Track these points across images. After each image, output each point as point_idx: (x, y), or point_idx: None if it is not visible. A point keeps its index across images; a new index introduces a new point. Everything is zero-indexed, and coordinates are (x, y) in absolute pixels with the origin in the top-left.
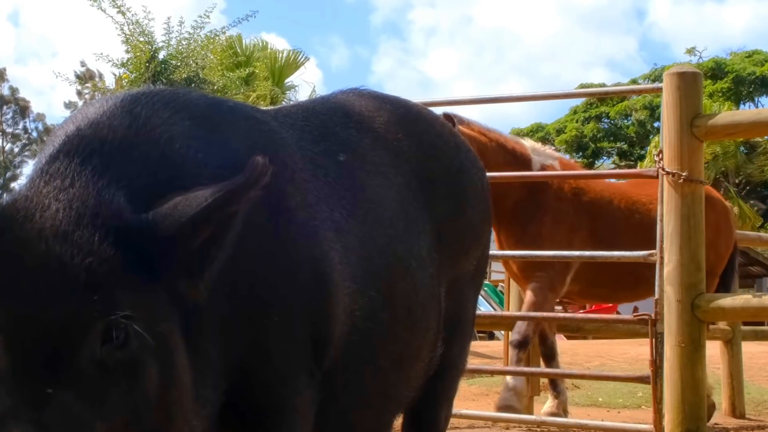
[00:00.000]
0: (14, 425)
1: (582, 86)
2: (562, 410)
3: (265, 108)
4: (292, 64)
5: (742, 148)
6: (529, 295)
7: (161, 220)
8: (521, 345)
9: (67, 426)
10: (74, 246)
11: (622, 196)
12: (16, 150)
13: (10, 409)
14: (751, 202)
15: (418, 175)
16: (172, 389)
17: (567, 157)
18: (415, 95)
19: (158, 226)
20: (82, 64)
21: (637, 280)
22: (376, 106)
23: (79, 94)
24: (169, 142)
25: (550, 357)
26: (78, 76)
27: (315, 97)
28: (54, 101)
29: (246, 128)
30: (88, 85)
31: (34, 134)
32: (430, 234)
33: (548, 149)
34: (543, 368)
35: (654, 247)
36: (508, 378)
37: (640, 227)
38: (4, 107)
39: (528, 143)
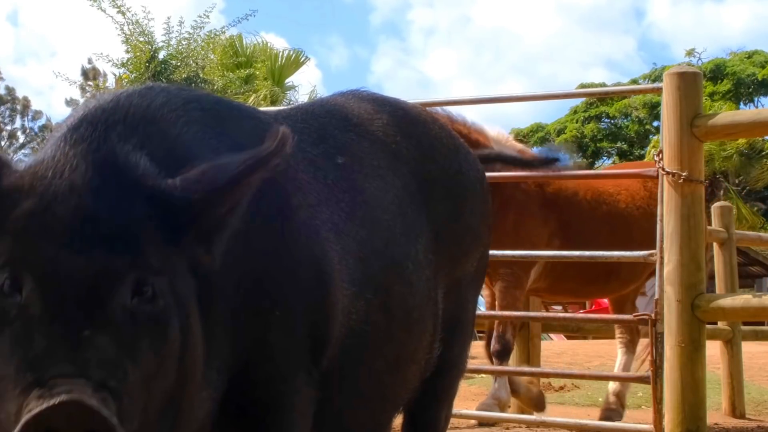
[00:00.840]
0: (51, 365)
1: (582, 86)
2: (496, 407)
3: (264, 109)
4: (293, 64)
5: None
6: (498, 297)
7: (190, 184)
8: (505, 353)
9: (102, 365)
10: (106, 200)
11: (587, 187)
12: (16, 149)
13: (45, 350)
14: (751, 202)
15: (416, 177)
16: (188, 353)
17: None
18: (414, 95)
19: (187, 191)
20: (90, 61)
21: (608, 275)
22: (375, 108)
23: (83, 89)
24: (185, 126)
25: (505, 357)
26: (84, 72)
27: (314, 98)
28: (53, 101)
29: (250, 126)
30: (91, 83)
31: (36, 131)
32: (428, 236)
33: (511, 140)
34: (543, 368)
35: (619, 237)
36: (495, 385)
37: (607, 217)
38: (2, 107)
39: (492, 133)
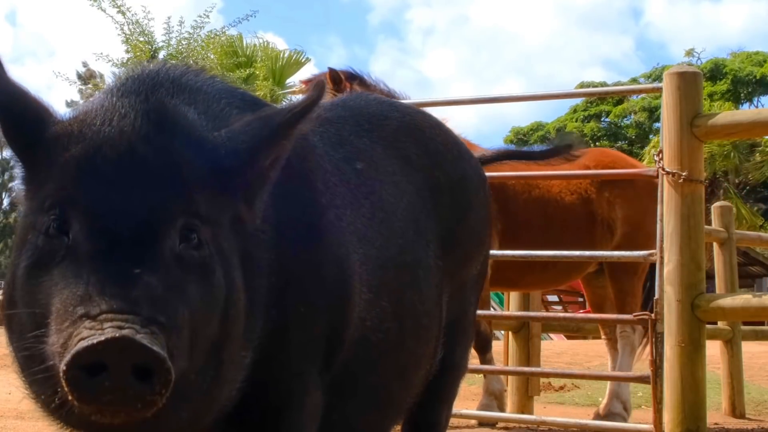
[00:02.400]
0: (102, 300)
1: (582, 85)
2: (494, 400)
3: None
4: (293, 64)
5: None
6: None
7: (238, 135)
8: (485, 345)
9: (152, 302)
10: (157, 146)
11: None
12: None
13: (95, 286)
14: (751, 202)
15: (425, 183)
16: (232, 307)
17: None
18: (413, 95)
19: (235, 141)
20: (84, 64)
21: (545, 264)
22: (384, 113)
23: (81, 92)
24: (227, 106)
25: (486, 349)
26: (80, 76)
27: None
28: (52, 101)
29: None
30: (90, 86)
31: None
32: (436, 242)
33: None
34: (543, 368)
35: (554, 223)
36: (491, 383)
37: (540, 202)
38: None
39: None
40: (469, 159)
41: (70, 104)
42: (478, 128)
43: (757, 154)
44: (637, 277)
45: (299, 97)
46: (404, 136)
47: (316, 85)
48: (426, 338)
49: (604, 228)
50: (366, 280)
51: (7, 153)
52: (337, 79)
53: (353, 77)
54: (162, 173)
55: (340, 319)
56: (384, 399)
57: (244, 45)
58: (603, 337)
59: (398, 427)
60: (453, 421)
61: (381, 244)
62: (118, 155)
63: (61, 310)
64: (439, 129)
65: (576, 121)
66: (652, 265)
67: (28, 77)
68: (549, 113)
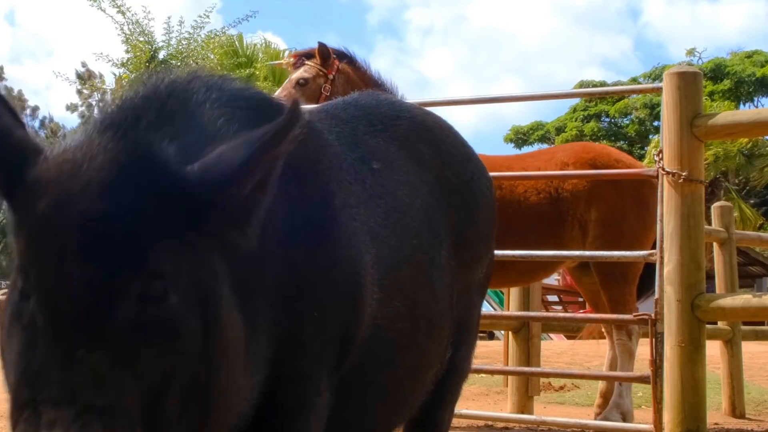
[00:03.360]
0: (43, 385)
1: (582, 84)
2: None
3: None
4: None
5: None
6: None
7: (209, 168)
8: None
9: (95, 386)
10: (114, 200)
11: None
12: None
13: (41, 367)
14: (752, 202)
15: (438, 184)
16: (215, 342)
17: None
18: (412, 95)
19: (207, 176)
20: (83, 64)
21: (502, 264)
22: (395, 113)
23: (80, 93)
24: (226, 124)
25: None
26: (79, 76)
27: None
28: (50, 100)
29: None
30: (87, 86)
31: (41, 133)
32: (448, 243)
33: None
34: (543, 368)
35: (515, 221)
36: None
37: (500, 203)
38: None
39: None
40: (477, 161)
41: (69, 107)
42: (477, 128)
43: (761, 158)
44: (628, 285)
45: (289, 70)
46: (416, 136)
47: (291, 108)
48: (438, 338)
49: (576, 228)
50: (379, 279)
51: None
52: (326, 54)
53: (343, 56)
54: (116, 233)
55: (352, 320)
56: (395, 397)
57: (245, 45)
58: (603, 330)
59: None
60: (453, 421)
61: (395, 244)
62: (76, 217)
63: (14, 386)
64: (448, 131)
65: (576, 121)
66: (652, 265)
67: (27, 77)
68: (549, 113)
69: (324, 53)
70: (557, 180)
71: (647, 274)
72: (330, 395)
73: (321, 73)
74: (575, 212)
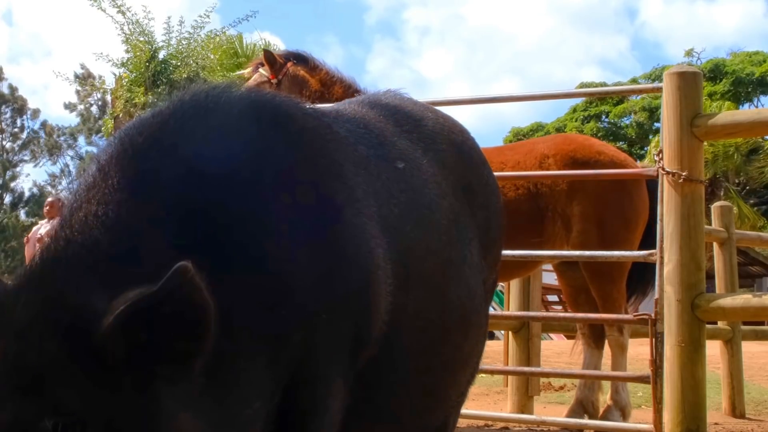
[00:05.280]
0: None
1: (582, 85)
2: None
3: (324, 108)
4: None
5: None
6: None
7: (106, 313)
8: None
9: None
10: (26, 347)
11: None
12: (16, 149)
13: None
14: (751, 201)
15: (461, 185)
16: None
17: None
18: (411, 95)
19: (103, 320)
20: (82, 66)
21: None
22: (419, 114)
23: (78, 93)
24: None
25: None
26: (78, 77)
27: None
28: (48, 100)
29: (286, 128)
30: (87, 86)
31: (41, 133)
32: (476, 243)
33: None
34: (543, 368)
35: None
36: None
37: None
38: (3, 106)
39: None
40: (488, 165)
41: (68, 106)
42: (476, 128)
43: (760, 157)
44: (615, 283)
45: (252, 82)
46: (440, 138)
47: (170, 276)
48: (474, 336)
49: (558, 223)
50: (391, 269)
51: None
52: (272, 60)
53: (296, 58)
54: (24, 378)
55: (364, 318)
56: (428, 390)
57: (244, 45)
58: (579, 331)
59: None
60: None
61: (418, 238)
62: None
63: None
64: (465, 134)
65: (576, 122)
66: (652, 265)
67: (25, 77)
68: (548, 113)
69: (269, 60)
70: (537, 176)
71: (637, 274)
72: (345, 395)
73: (266, 79)
74: (556, 207)
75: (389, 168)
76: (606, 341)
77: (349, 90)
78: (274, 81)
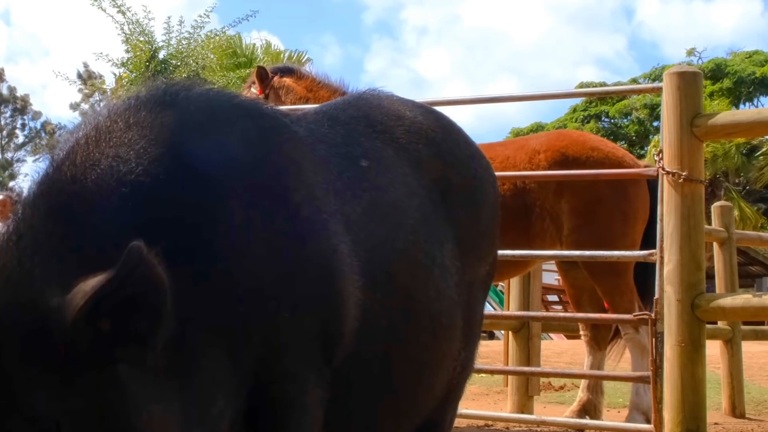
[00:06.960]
0: None
1: (581, 85)
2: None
3: (292, 109)
4: (295, 64)
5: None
6: None
7: (65, 307)
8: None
9: None
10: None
11: None
12: (15, 148)
13: None
14: (751, 202)
15: (438, 184)
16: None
17: None
18: (408, 94)
19: (63, 314)
20: (85, 65)
21: None
22: (397, 113)
23: (82, 93)
24: (119, 211)
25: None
26: (80, 76)
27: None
28: (47, 100)
29: (243, 126)
30: (87, 90)
31: (42, 132)
32: (451, 243)
33: None
34: (543, 368)
35: None
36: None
37: None
38: (2, 106)
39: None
40: (480, 158)
41: (73, 106)
42: (475, 128)
43: (761, 157)
44: (619, 277)
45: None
46: (417, 137)
47: (125, 258)
48: (446, 337)
49: (547, 220)
50: (358, 266)
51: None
52: (263, 76)
53: (281, 70)
54: None
55: (334, 312)
56: (394, 393)
57: (244, 45)
58: (581, 333)
59: None
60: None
61: (383, 236)
62: None
63: None
64: (451, 128)
65: (576, 121)
66: (651, 264)
67: (24, 77)
68: (548, 113)
69: (261, 76)
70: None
71: (643, 275)
72: (323, 391)
73: (254, 95)
74: (543, 204)
75: (352, 166)
76: (611, 343)
77: (335, 93)
78: (261, 96)
